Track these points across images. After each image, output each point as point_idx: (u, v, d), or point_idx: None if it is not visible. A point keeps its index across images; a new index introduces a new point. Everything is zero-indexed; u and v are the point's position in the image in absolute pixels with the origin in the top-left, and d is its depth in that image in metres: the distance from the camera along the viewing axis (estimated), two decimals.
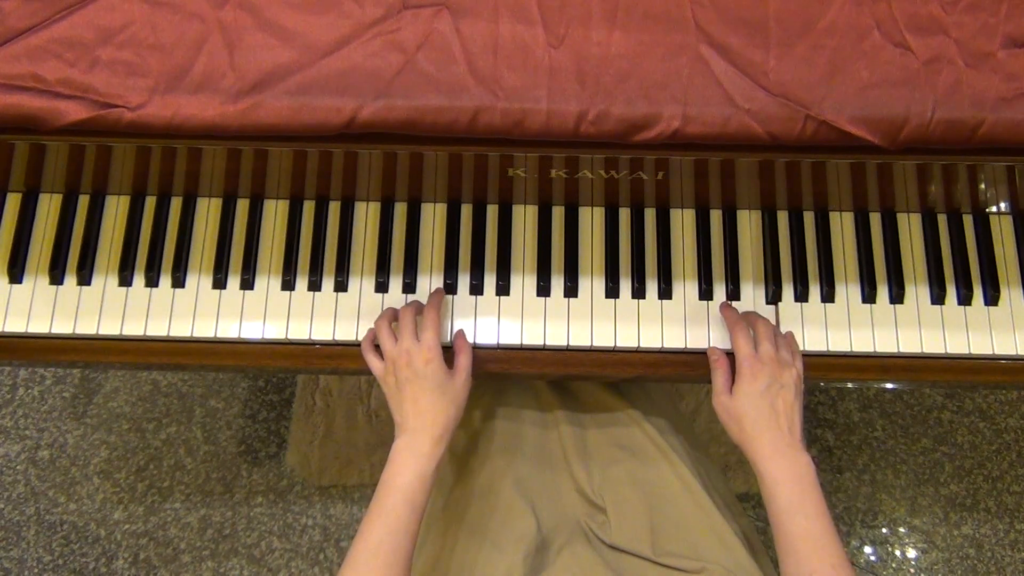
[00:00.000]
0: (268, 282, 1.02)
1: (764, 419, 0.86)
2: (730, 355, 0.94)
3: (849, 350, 1.01)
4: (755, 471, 0.86)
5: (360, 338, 1.00)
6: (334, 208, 1.04)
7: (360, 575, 0.80)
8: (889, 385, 1.07)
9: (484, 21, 0.82)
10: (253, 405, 1.82)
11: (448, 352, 0.94)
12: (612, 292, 1.02)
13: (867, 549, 1.73)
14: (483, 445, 1.08)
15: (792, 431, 0.86)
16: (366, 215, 1.04)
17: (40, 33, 0.81)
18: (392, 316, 0.96)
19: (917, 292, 1.03)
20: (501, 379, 1.14)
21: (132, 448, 1.78)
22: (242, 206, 1.04)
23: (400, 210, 1.04)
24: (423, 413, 0.88)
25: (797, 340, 0.99)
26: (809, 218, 1.05)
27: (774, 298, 1.02)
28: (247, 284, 1.01)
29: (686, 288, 1.02)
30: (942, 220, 1.05)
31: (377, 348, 0.95)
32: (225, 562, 1.70)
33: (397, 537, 0.82)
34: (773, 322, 1.00)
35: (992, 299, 1.02)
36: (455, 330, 1.00)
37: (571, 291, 1.01)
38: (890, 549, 1.73)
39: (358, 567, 0.81)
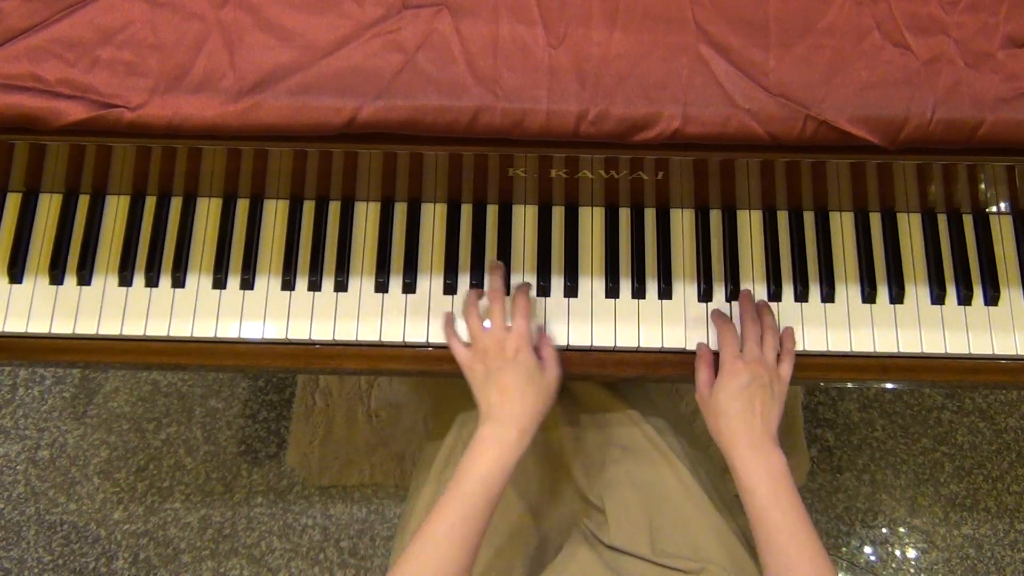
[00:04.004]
0: (268, 282, 1.02)
1: (740, 416, 0.88)
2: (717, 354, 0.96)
3: (849, 350, 1.01)
4: (730, 467, 0.87)
5: (360, 337, 1.00)
6: (334, 208, 1.04)
7: (429, 554, 0.80)
8: (889, 385, 1.06)
9: (484, 21, 0.82)
10: (253, 405, 1.82)
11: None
12: (612, 292, 1.02)
13: (867, 549, 1.73)
14: None
15: (767, 429, 0.87)
16: (366, 215, 1.04)
17: (40, 33, 0.81)
18: (477, 301, 0.96)
19: (917, 292, 1.03)
20: None
21: (132, 448, 1.78)
22: (242, 206, 1.04)
23: (400, 210, 1.04)
24: (513, 402, 0.87)
25: (797, 340, 1.00)
26: (809, 218, 1.05)
27: (774, 298, 1.02)
28: (247, 284, 1.01)
29: (686, 288, 1.02)
30: (942, 220, 1.05)
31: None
32: (225, 562, 1.70)
33: (470, 524, 0.81)
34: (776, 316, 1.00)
35: (992, 299, 1.02)
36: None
37: (571, 291, 1.01)
38: (890, 549, 1.73)
39: (427, 547, 0.80)
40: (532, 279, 1.02)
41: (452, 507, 0.82)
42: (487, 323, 0.94)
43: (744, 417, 0.88)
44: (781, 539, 0.81)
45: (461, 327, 0.98)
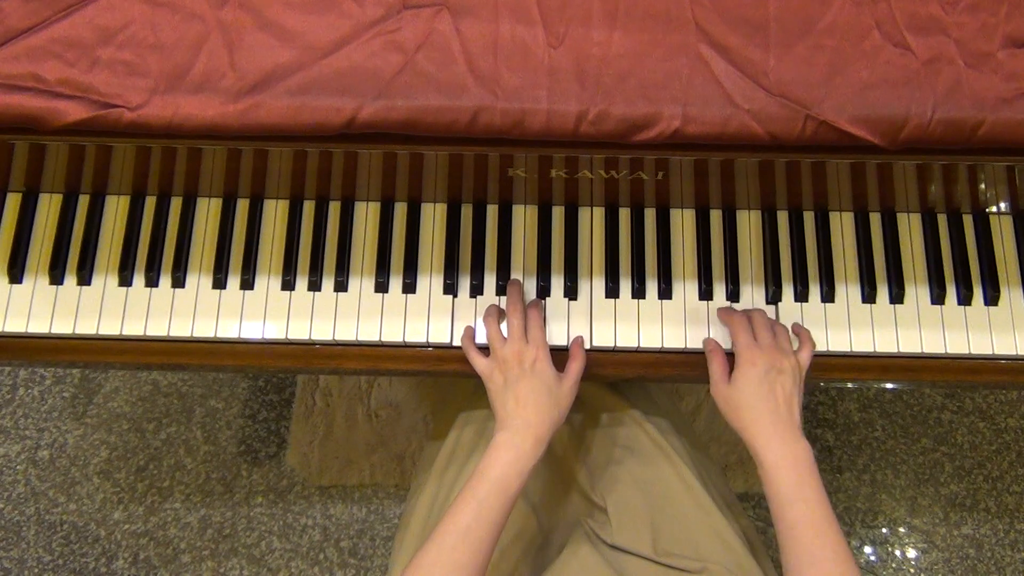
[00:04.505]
0: (268, 282, 1.02)
1: (762, 404, 0.87)
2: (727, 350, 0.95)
3: (849, 350, 1.01)
4: (754, 457, 0.86)
5: (360, 338, 1.00)
6: (334, 208, 1.04)
7: (445, 554, 0.80)
8: (889, 385, 1.07)
9: (484, 21, 0.82)
10: (253, 405, 1.82)
11: (560, 356, 0.95)
12: (612, 292, 1.02)
13: (867, 549, 1.73)
14: (484, 445, 1.08)
15: (791, 417, 0.86)
16: (366, 215, 1.04)
17: (40, 33, 0.81)
18: (498, 314, 0.97)
19: (917, 292, 1.03)
20: None
21: (132, 448, 1.78)
22: (242, 206, 1.04)
23: (400, 210, 1.04)
24: (528, 411, 0.88)
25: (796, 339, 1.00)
26: (809, 218, 1.05)
27: (774, 298, 1.02)
28: (247, 284, 1.01)
29: (686, 288, 1.02)
30: (942, 220, 1.05)
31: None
32: (225, 562, 1.70)
33: (484, 526, 0.82)
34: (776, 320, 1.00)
35: (992, 299, 1.02)
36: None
37: (571, 291, 1.01)
38: (890, 549, 1.73)
39: (444, 547, 0.80)
40: (532, 279, 1.02)
41: (467, 508, 0.82)
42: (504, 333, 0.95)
43: (768, 405, 0.86)
44: (805, 533, 0.80)
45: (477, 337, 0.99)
